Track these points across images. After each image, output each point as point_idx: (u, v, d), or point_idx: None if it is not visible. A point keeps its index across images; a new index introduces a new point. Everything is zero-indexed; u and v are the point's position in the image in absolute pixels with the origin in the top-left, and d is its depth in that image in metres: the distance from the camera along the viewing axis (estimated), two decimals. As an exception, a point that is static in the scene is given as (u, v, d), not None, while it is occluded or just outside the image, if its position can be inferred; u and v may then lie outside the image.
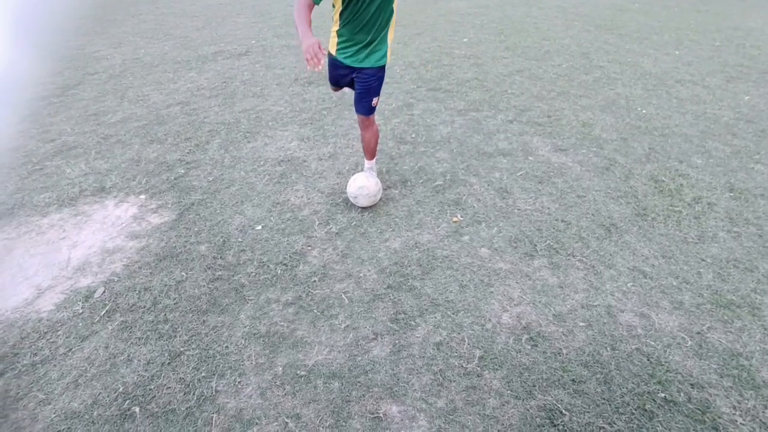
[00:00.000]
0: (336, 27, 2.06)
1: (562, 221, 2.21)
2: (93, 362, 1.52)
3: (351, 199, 2.32)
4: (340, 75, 2.20)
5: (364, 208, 2.33)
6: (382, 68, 2.13)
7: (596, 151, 2.92)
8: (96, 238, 2.19)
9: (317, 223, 2.23)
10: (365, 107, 2.19)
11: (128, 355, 1.55)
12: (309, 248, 2.05)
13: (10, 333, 1.63)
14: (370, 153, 2.46)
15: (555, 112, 3.59)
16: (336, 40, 2.09)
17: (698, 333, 1.58)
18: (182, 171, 2.77)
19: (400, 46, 5.93)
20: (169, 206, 2.41)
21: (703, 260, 1.93)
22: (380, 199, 2.38)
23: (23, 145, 3.19)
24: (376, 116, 2.45)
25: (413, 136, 3.18)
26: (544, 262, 1.94)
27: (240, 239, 2.12)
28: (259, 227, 2.21)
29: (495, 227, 2.18)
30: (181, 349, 1.56)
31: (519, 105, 3.74)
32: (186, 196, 2.49)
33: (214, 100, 4.03)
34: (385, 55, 2.10)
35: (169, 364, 1.51)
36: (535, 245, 2.05)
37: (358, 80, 2.13)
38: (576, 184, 2.54)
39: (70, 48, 6.35)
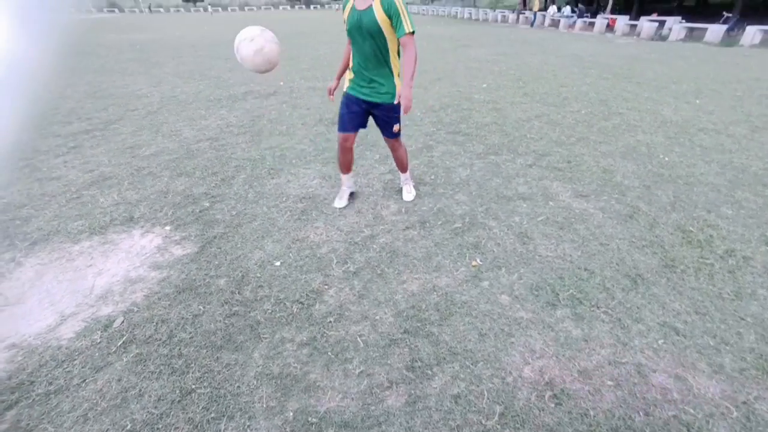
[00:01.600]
0: (350, 64, 2.38)
1: (585, 270, 2.15)
2: (105, 395, 1.51)
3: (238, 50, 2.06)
4: (354, 113, 2.41)
5: (382, 248, 2.33)
6: (396, 105, 2.34)
7: (618, 198, 2.88)
8: (120, 267, 2.24)
9: (335, 261, 2.24)
10: (390, 133, 2.53)
11: (140, 390, 1.53)
12: (326, 287, 2.04)
13: (29, 360, 1.65)
14: (403, 167, 2.83)
15: (575, 157, 3.60)
16: (349, 76, 2.41)
17: (744, 403, 1.46)
18: (207, 204, 2.86)
19: (421, 90, 6.17)
20: (192, 238, 2.47)
21: (743, 319, 1.82)
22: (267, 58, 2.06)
23: (65, 175, 3.37)
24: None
25: (432, 177, 3.23)
26: (567, 313, 1.87)
27: (258, 274, 2.13)
28: (278, 263, 2.22)
29: (515, 273, 2.13)
30: (193, 386, 1.54)
31: (538, 149, 3.78)
32: (209, 229, 2.55)
33: (241, 137, 4.23)
34: (393, 94, 2.34)
35: (179, 402, 1.48)
36: (558, 294, 1.98)
37: (378, 115, 2.43)
38: (598, 232, 2.49)
39: (117, 87, 6.86)
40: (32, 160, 3.69)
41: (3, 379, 1.57)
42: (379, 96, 2.33)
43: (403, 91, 2.15)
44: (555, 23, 20.56)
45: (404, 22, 2.06)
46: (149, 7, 54.86)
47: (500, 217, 2.65)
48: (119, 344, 1.73)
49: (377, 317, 1.85)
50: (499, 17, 25.21)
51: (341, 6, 2.25)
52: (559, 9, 22.02)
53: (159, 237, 2.50)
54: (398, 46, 2.23)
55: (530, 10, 23.35)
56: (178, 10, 57.25)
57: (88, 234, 2.54)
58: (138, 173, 3.40)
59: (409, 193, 2.90)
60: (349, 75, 2.41)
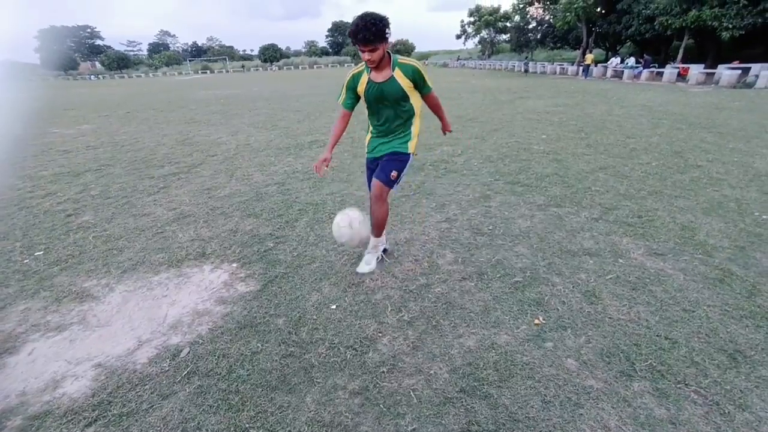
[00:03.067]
0: (369, 129, 2.49)
1: (666, 338, 1.92)
2: (167, 423, 1.58)
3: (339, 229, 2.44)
4: (370, 174, 2.52)
5: (438, 298, 2.29)
6: (405, 154, 2.38)
7: (703, 259, 2.60)
8: (190, 299, 2.42)
9: (389, 308, 2.23)
10: (385, 175, 2.35)
11: (198, 423, 1.58)
12: (380, 335, 2.02)
13: (110, 380, 1.79)
14: (379, 229, 2.56)
15: (647, 212, 3.35)
16: (367, 137, 2.51)
17: None
18: (271, 244, 3.04)
19: (478, 141, 6.25)
20: (256, 276, 2.61)
21: None
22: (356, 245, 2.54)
23: (153, 212, 3.82)
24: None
25: (490, 227, 3.17)
26: (646, 386, 1.66)
27: (315, 317, 2.18)
28: (334, 306, 2.26)
29: (583, 336, 1.96)
30: (247, 425, 1.56)
31: (604, 203, 3.58)
32: (272, 269, 2.69)
33: (306, 182, 4.52)
34: (406, 143, 2.38)
35: (233, 440, 1.51)
36: (633, 363, 1.78)
37: (384, 160, 2.41)
38: (680, 296, 2.24)
39: (201, 135, 7.79)
40: (131, 197, 4.23)
41: (87, 395, 1.72)
42: (392, 147, 2.38)
43: (446, 123, 2.66)
44: (618, 74, 20.13)
45: (428, 83, 2.28)
46: (243, 66, 63.18)
47: (564, 273, 2.50)
48: (184, 374, 1.83)
49: (431, 372, 1.78)
50: (558, 69, 25.32)
51: (347, 83, 2.29)
52: (622, 60, 21.65)
53: (226, 273, 2.68)
54: (421, 103, 2.39)
55: (581, 64, 23.28)
56: (257, 69, 64.96)
57: (167, 266, 2.80)
58: (212, 212, 3.74)
59: (368, 264, 2.59)
60: (366, 141, 2.51)
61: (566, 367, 1.78)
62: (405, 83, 2.20)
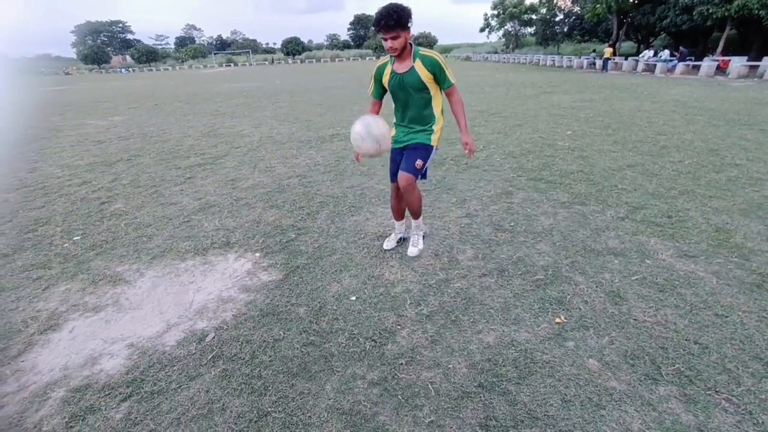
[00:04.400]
0: (394, 121, 2.46)
1: (696, 343, 1.86)
2: (195, 403, 1.65)
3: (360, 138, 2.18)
4: (398, 163, 2.48)
5: (457, 293, 2.28)
6: (428, 145, 2.39)
7: (739, 263, 2.49)
8: (215, 286, 2.50)
9: (408, 302, 2.24)
10: (409, 165, 2.37)
11: (223, 404, 1.64)
12: (399, 327, 2.04)
13: (142, 359, 1.89)
14: (416, 213, 2.64)
15: (677, 212, 3.23)
16: (393, 131, 2.46)
17: None
18: (293, 235, 3.09)
19: (501, 136, 6.14)
20: (278, 266, 2.67)
21: None
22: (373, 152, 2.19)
23: (180, 201, 3.94)
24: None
25: (512, 224, 3.13)
26: (673, 391, 1.61)
27: (335, 307, 2.22)
28: (354, 298, 2.29)
29: (606, 336, 1.92)
30: (269, 409, 1.61)
31: (631, 201, 3.47)
32: (293, 259, 2.74)
33: (327, 175, 4.57)
34: (429, 136, 2.39)
35: (256, 422, 1.56)
36: (659, 367, 1.73)
37: (408, 151, 2.42)
38: (711, 300, 2.16)
39: (226, 127, 7.96)
40: (159, 187, 4.39)
41: (122, 373, 1.81)
42: (416, 137, 2.41)
43: (465, 138, 2.35)
44: (650, 68, 19.26)
45: (448, 76, 2.25)
46: (271, 60, 63.91)
47: (588, 272, 2.44)
48: (210, 358, 1.90)
49: (450, 366, 1.78)
50: (585, 63, 24.48)
51: (374, 75, 2.39)
52: (655, 53, 20.69)
53: (249, 262, 2.75)
54: (442, 98, 2.39)
55: (600, 57, 22.30)
56: (279, 62, 65.60)
57: (193, 254, 2.89)
58: (236, 203, 3.84)
59: (414, 246, 2.71)
60: (391, 132, 2.43)
61: (588, 367, 1.75)
62: (425, 75, 2.22)
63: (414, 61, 2.23)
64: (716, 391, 1.60)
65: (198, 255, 2.88)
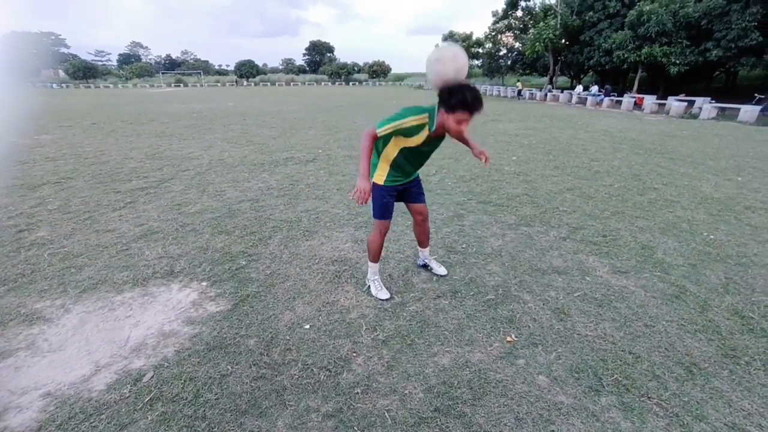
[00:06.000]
0: (389, 162, 2.30)
1: (630, 353, 2.00)
2: (126, 456, 1.48)
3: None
4: (393, 200, 2.44)
5: (412, 317, 2.29)
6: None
7: (661, 276, 2.75)
8: (156, 319, 2.31)
9: (364, 327, 2.21)
10: (424, 198, 2.57)
11: (160, 453, 1.49)
12: (354, 354, 2.00)
13: (60, 410, 1.66)
14: (427, 241, 2.77)
15: (611, 231, 3.53)
16: (388, 172, 2.32)
17: None
18: (244, 262, 2.96)
19: (452, 161, 6.42)
20: (227, 295, 2.53)
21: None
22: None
23: (119, 228, 3.65)
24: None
25: (464, 246, 3.24)
26: (613, 401, 1.72)
27: (288, 337, 2.13)
28: (307, 326, 2.22)
29: (553, 352, 2.01)
30: (214, 454, 1.48)
31: (572, 222, 3.74)
32: (243, 288, 2.62)
33: (280, 199, 4.47)
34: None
35: (198, 470, 1.43)
36: (601, 379, 1.84)
37: (413, 186, 2.50)
38: (641, 312, 2.35)
39: (172, 149, 7.59)
40: (94, 213, 4.03)
41: (33, 429, 1.58)
42: (417, 174, 2.49)
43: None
44: (582, 100, 21.43)
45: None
46: (235, 82, 61.79)
47: (535, 291, 2.57)
48: (146, 400, 1.73)
49: (406, 392, 1.76)
50: (527, 95, 26.62)
51: (401, 129, 2.08)
52: (585, 88, 23.13)
53: (195, 292, 2.59)
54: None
55: (515, 87, 26.09)
56: (232, 84, 64.44)
57: (131, 285, 2.67)
58: (182, 229, 3.62)
59: (440, 267, 2.84)
60: (384, 170, 2.35)
61: (538, 383, 1.81)
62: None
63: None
64: (648, 397, 1.72)
65: (137, 286, 2.66)
